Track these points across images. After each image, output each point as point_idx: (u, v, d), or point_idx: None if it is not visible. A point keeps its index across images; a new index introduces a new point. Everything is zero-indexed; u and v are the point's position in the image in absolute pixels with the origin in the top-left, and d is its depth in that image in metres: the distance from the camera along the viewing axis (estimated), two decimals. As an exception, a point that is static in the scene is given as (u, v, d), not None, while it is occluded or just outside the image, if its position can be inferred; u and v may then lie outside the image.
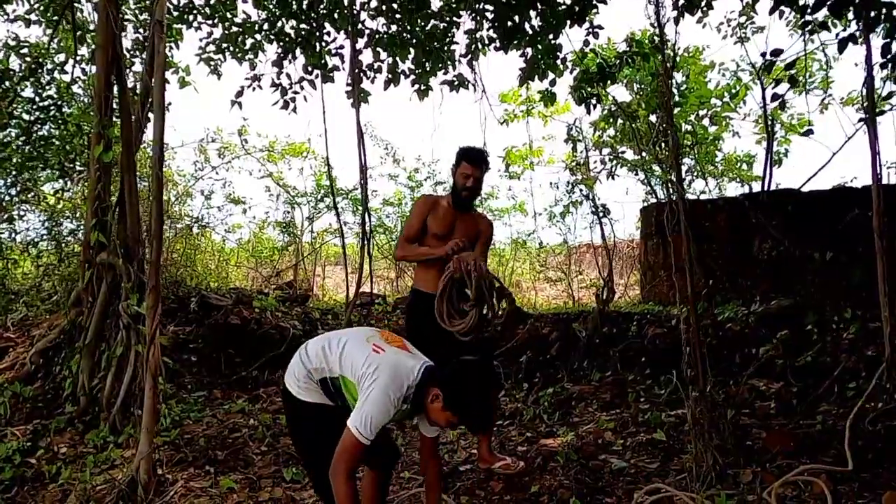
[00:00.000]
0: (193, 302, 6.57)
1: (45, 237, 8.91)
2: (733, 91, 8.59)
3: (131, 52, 8.11)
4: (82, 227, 7.90)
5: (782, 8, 4.99)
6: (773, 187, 7.64)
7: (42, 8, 7.98)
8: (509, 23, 6.74)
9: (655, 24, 3.67)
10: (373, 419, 2.28)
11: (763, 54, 4.81)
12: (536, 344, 5.91)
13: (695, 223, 6.81)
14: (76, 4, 7.89)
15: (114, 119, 5.57)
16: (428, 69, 7.41)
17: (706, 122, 8.88)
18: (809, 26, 4.20)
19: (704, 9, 6.55)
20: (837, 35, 4.14)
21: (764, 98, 7.23)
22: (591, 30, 6.57)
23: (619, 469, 3.59)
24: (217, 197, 9.86)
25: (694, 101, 8.37)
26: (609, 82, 6.81)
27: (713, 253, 6.11)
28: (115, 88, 5.47)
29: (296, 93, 7.15)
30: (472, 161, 3.66)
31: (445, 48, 7.43)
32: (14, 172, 8.31)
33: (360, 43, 7.15)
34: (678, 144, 3.93)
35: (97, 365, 5.21)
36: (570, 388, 5.07)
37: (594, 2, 6.30)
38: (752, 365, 4.66)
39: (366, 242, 5.92)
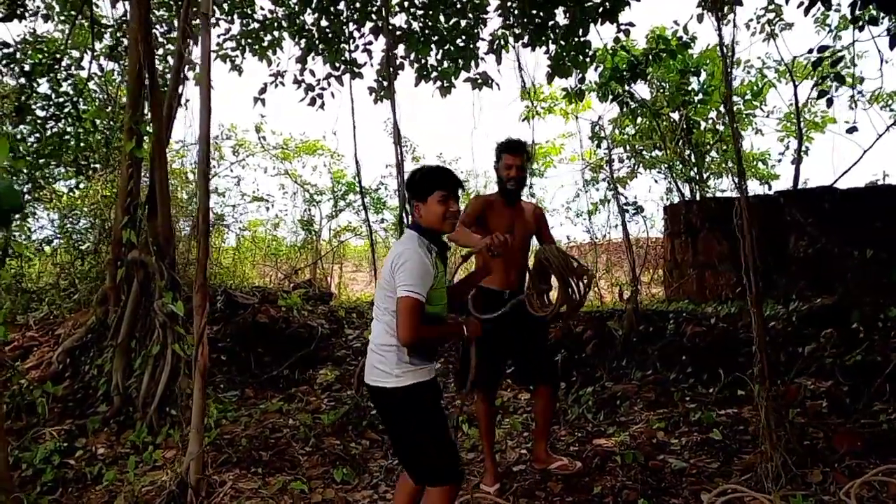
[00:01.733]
0: (220, 300, 6.48)
1: (58, 236, 8.81)
2: (755, 88, 8.55)
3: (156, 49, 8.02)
4: (97, 225, 7.81)
5: (807, 2, 4.97)
6: (798, 185, 7.61)
7: (59, 4, 7.89)
8: (537, 19, 6.69)
9: (715, 26, 3.59)
10: (417, 274, 2.36)
11: (810, 50, 4.77)
12: (571, 342, 5.85)
13: (726, 221, 6.80)
14: (93, 1, 7.81)
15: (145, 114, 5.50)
16: (452, 66, 7.36)
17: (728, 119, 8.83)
18: (860, 22, 4.13)
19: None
20: (889, 30, 4.08)
21: (796, 95, 7.20)
22: (621, 27, 6.52)
23: (680, 469, 3.54)
24: (232, 195, 9.77)
25: (717, 99, 8.32)
26: (638, 79, 6.75)
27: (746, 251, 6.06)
28: (147, 83, 5.41)
29: (323, 89, 7.08)
30: (513, 150, 3.65)
31: (470, 45, 7.38)
32: (28, 169, 8.22)
33: (383, 40, 7.10)
34: (739, 140, 3.87)
35: (130, 364, 5.14)
36: (611, 388, 5.01)
37: (626, -1, 6.24)
38: (798, 363, 4.61)
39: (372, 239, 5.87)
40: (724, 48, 3.66)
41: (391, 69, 6.14)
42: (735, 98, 8.75)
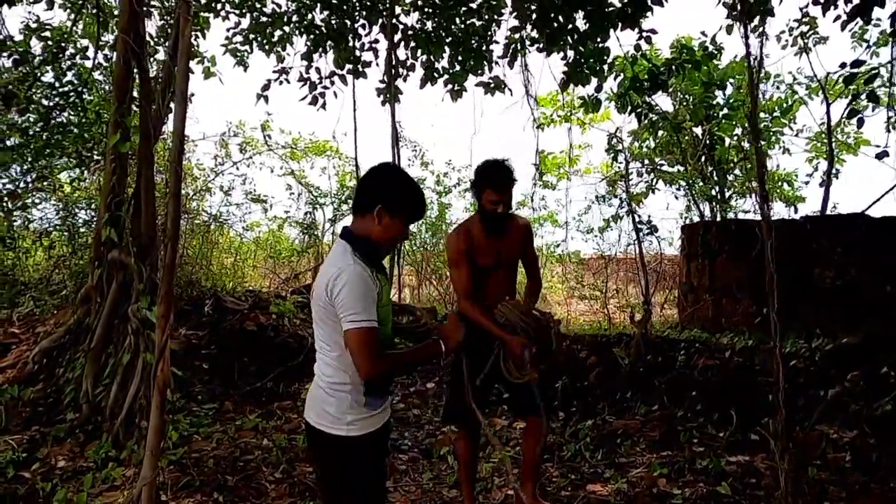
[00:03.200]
0: (208, 305, 6.20)
1: (58, 227, 8.61)
2: (785, 105, 8.11)
3: (155, 40, 7.77)
4: (95, 219, 7.57)
5: (845, 16, 4.56)
6: (827, 209, 7.16)
7: (65, -10, 7.68)
8: (554, 23, 6.33)
9: (742, 36, 3.21)
10: (360, 296, 1.99)
11: (843, 65, 4.37)
12: (573, 369, 5.47)
13: (745, 245, 6.38)
14: (100, -13, 7.58)
15: (133, 108, 5.24)
16: (464, 69, 7.03)
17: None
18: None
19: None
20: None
21: (828, 114, 6.75)
22: (643, 33, 6.14)
23: (682, 528, 3.16)
24: (236, 193, 9.52)
25: (743, 114, 7.90)
26: (660, 91, 6.36)
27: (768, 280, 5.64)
28: (136, 75, 5.15)
29: (325, 88, 6.78)
30: (499, 188, 3.14)
31: (483, 48, 7.05)
32: (30, 159, 8.03)
33: (395, 39, 6.80)
34: (763, 162, 3.49)
35: (102, 371, 4.87)
36: (612, 423, 4.63)
37: (649, 3, 5.86)
38: (820, 408, 4.20)
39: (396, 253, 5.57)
40: (752, 60, 3.27)
41: (392, 69, 5.82)
42: (762, 114, 8.32)
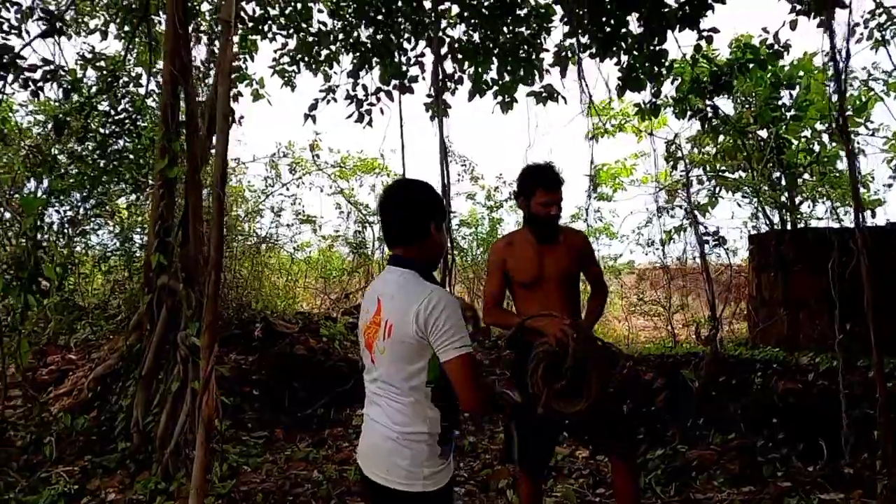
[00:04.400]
0: (258, 328, 6.12)
1: (116, 252, 8.76)
2: (858, 103, 7.56)
3: (206, 65, 7.85)
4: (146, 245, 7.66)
5: None
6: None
7: (119, 21, 7.85)
8: (607, 27, 6.05)
9: (821, 30, 2.89)
10: (461, 322, 1.86)
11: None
12: (638, 392, 5.13)
13: (824, 255, 5.89)
14: (152, 17, 7.71)
15: (181, 132, 5.22)
16: (513, 79, 6.81)
17: (825, 138, 7.87)
18: None
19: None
20: None
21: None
22: (702, 34, 5.79)
23: (773, 580, 2.80)
24: (286, 214, 9.52)
25: (813, 115, 7.40)
26: (723, 92, 5.99)
27: (852, 293, 5.18)
28: (182, 99, 5.13)
29: (371, 105, 6.67)
30: (550, 186, 2.96)
31: (533, 57, 6.82)
32: (89, 186, 8.20)
33: (441, 52, 6.65)
34: (855, 164, 3.14)
35: (152, 399, 4.81)
36: (685, 453, 4.27)
37: (709, 1, 5.52)
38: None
39: (450, 265, 5.39)
40: (837, 54, 2.93)
41: (439, 82, 5.64)
42: (833, 114, 7.78)
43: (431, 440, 1.89)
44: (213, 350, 3.49)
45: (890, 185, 7.71)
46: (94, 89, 7.61)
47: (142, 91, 8.01)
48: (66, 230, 8.63)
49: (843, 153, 8.25)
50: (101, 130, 7.86)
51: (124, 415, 4.80)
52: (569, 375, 2.62)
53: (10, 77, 5.62)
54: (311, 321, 6.83)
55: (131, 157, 8.05)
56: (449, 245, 5.34)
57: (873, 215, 8.47)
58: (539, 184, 2.97)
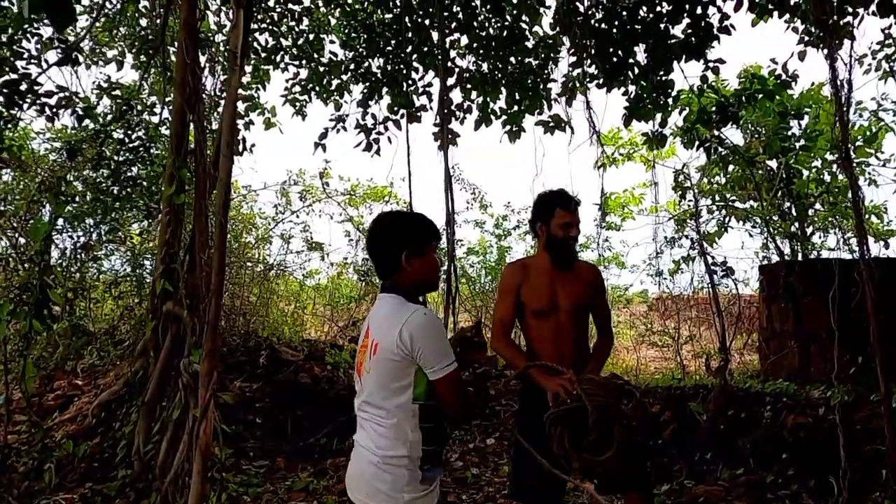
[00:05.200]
0: (263, 356, 6.10)
1: (127, 277, 8.82)
2: (868, 133, 7.52)
3: (219, 95, 7.99)
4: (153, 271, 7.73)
5: None
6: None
7: (135, 51, 8.02)
8: (614, 58, 6.09)
9: (825, 58, 2.89)
10: (445, 340, 1.96)
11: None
12: (645, 425, 5.03)
13: (838, 287, 5.80)
14: (168, 47, 7.88)
15: (190, 160, 5.29)
16: (521, 109, 6.86)
17: (835, 168, 7.82)
18: None
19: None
20: None
21: (922, 141, 6.18)
22: (709, 64, 5.81)
23: None
24: (296, 241, 9.57)
25: (823, 145, 7.36)
26: (730, 123, 5.98)
27: (862, 324, 5.09)
28: (192, 127, 5.21)
29: (380, 133, 6.74)
30: (569, 206, 2.96)
31: (541, 86, 6.87)
32: (101, 212, 8.30)
33: (449, 82, 6.72)
34: (859, 196, 3.11)
35: (154, 426, 4.79)
36: (692, 489, 4.17)
37: (715, 32, 5.56)
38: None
39: (452, 294, 5.37)
40: (839, 85, 2.92)
41: (445, 111, 5.69)
42: (839, 145, 7.73)
43: (412, 465, 1.90)
44: (212, 378, 3.48)
45: (881, 215, 7.63)
46: (108, 117, 7.75)
47: (155, 119, 8.15)
48: (78, 255, 8.72)
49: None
50: (115, 158, 7.98)
51: (126, 442, 4.79)
52: (595, 430, 2.57)
53: (27, 104, 5.75)
54: (316, 349, 6.80)
55: (144, 184, 8.16)
56: (452, 273, 5.31)
57: (886, 246, 8.37)
58: (558, 204, 2.96)
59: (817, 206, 8.09)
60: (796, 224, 7.65)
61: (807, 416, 4.53)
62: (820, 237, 8.01)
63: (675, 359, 8.57)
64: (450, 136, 6.51)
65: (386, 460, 1.90)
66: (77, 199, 7.74)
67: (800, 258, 7.53)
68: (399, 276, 2.02)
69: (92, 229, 8.71)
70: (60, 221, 8.08)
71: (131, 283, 8.59)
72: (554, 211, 2.96)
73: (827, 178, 7.85)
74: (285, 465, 5.03)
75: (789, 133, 7.51)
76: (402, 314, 1.90)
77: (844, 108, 2.93)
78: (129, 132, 7.93)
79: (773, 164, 7.72)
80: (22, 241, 8.27)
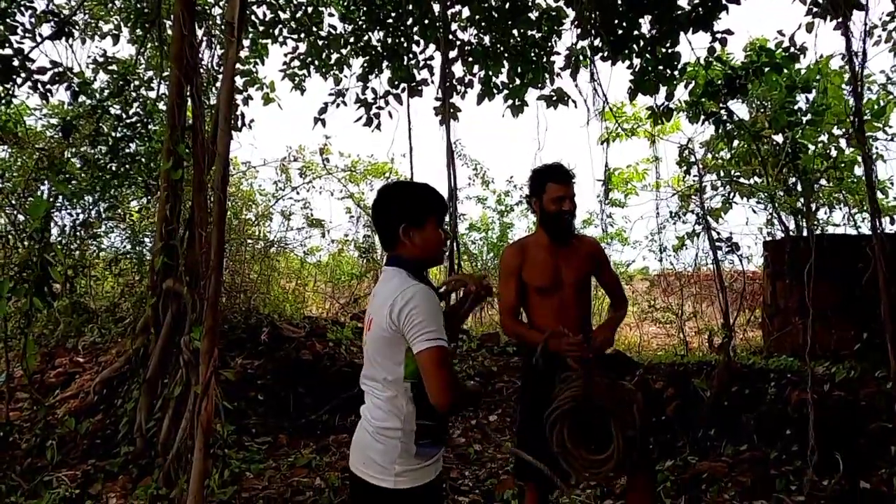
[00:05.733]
0: (264, 333, 6.08)
1: (127, 254, 8.78)
2: (876, 107, 7.40)
3: (216, 69, 7.85)
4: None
5: None
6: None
7: (131, 25, 7.88)
8: (619, 30, 5.96)
9: (841, 33, 2.80)
10: (434, 315, 1.84)
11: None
12: (648, 401, 5.02)
13: (840, 263, 5.76)
14: (164, 21, 7.74)
15: (187, 135, 5.21)
16: (523, 83, 6.75)
17: (842, 142, 7.71)
18: None
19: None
20: None
21: (933, 114, 6.07)
22: (716, 36, 5.70)
23: None
24: (297, 218, 9.51)
25: (830, 119, 7.24)
26: (738, 96, 5.87)
27: (869, 300, 5.04)
28: (189, 102, 5.12)
29: (380, 108, 6.63)
30: (560, 179, 2.91)
31: (544, 60, 6.75)
32: (100, 189, 8.23)
33: (451, 55, 6.61)
34: (872, 169, 3.04)
35: (156, 403, 4.78)
36: (696, 465, 4.16)
37: (723, 2, 5.43)
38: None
39: (456, 270, 5.33)
40: (854, 56, 2.83)
41: (447, 85, 5.59)
42: (849, 118, 7.61)
43: (405, 437, 1.88)
44: (213, 355, 3.45)
45: (885, 191, 7.54)
46: (105, 93, 7.64)
47: (153, 95, 8.05)
48: (78, 233, 8.66)
49: (860, 157, 8.09)
50: (113, 134, 7.89)
51: (128, 419, 4.78)
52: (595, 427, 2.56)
53: (20, 79, 5.66)
54: (318, 325, 6.78)
55: (142, 160, 8.08)
56: (455, 249, 5.26)
57: (892, 221, 8.29)
58: (549, 177, 2.91)
59: (822, 181, 8.00)
60: (802, 200, 7.56)
61: (812, 393, 4.49)
62: (825, 213, 7.93)
63: (677, 335, 8.55)
64: (451, 111, 6.42)
65: (379, 431, 1.90)
66: (75, 176, 7.67)
67: (805, 234, 7.45)
68: (400, 248, 1.98)
69: (91, 206, 8.65)
70: (59, 199, 8.03)
71: (131, 260, 8.55)
72: (545, 185, 2.92)
73: (833, 153, 7.74)
74: (287, 441, 5.02)
75: (796, 107, 7.38)
76: (398, 288, 1.86)
77: (859, 80, 2.84)
78: (127, 108, 7.83)
79: (778, 138, 7.61)
80: (21, 218, 8.22)
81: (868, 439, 3.91)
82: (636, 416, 2.56)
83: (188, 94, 5.06)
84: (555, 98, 6.56)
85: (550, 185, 2.89)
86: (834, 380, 4.57)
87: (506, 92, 6.78)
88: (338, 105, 7.26)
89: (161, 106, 8.47)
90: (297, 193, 9.49)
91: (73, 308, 7.70)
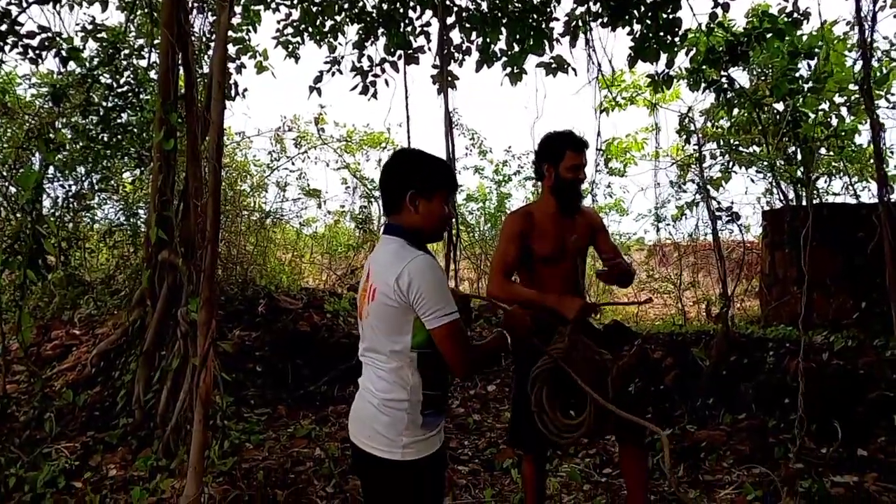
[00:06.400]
0: (262, 304, 6.05)
1: (122, 226, 8.71)
2: (878, 74, 7.30)
3: (208, 37, 7.68)
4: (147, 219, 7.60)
5: None
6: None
7: (118, -10, 7.68)
8: (619, -5, 5.83)
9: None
10: (445, 288, 1.85)
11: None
12: (647, 371, 5.03)
13: (840, 232, 5.74)
14: (153, -14, 7.55)
15: (180, 104, 5.11)
16: (522, 49, 6.61)
17: (843, 111, 7.63)
18: None
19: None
20: None
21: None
22: (718, 1, 5.58)
23: (784, 566, 2.72)
24: (292, 189, 9.43)
25: (832, 87, 7.15)
26: (740, 63, 5.78)
27: (871, 269, 5.03)
28: (181, 70, 5.01)
29: (376, 76, 6.51)
30: (579, 147, 2.85)
31: (543, 26, 6.61)
32: (92, 160, 8.12)
33: (448, 21, 6.46)
34: (880, 136, 2.99)
35: (154, 375, 4.76)
36: (694, 433, 4.18)
37: (727, -35, 5.31)
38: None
39: (453, 241, 5.28)
40: (864, 20, 2.76)
41: (444, 52, 5.47)
42: (852, 87, 7.52)
43: (412, 408, 1.86)
44: (210, 327, 3.41)
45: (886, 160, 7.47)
46: (95, 61, 7.48)
47: (144, 63, 7.89)
48: (71, 204, 8.57)
49: (862, 126, 8.02)
50: (104, 104, 7.75)
51: (126, 391, 4.77)
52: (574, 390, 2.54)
53: (8, 45, 5.51)
54: (315, 297, 6.75)
55: (134, 130, 7.96)
56: (452, 220, 5.21)
57: (890, 190, 8.25)
58: (569, 146, 2.84)
59: (822, 150, 7.94)
60: (801, 169, 7.51)
61: (810, 362, 4.50)
62: (825, 182, 7.89)
63: (675, 305, 8.56)
64: (449, 79, 6.30)
65: (385, 403, 1.87)
66: (66, 146, 7.56)
67: (804, 203, 7.42)
68: (402, 216, 1.94)
69: (83, 178, 8.55)
70: (51, 170, 7.92)
71: (125, 232, 8.48)
72: (564, 152, 2.84)
73: (834, 121, 7.67)
74: (287, 412, 5.03)
75: (797, 75, 7.28)
76: (402, 259, 1.82)
77: (869, 43, 2.77)
78: (117, 77, 7.69)
79: (779, 106, 7.53)
80: (13, 190, 8.12)
81: (866, 408, 3.93)
82: (609, 386, 2.55)
83: (180, 62, 4.94)
84: (554, 66, 6.44)
85: (569, 152, 2.82)
86: (833, 349, 4.58)
87: (504, 59, 6.65)
88: (333, 73, 7.12)
89: (152, 75, 8.32)
90: (293, 164, 9.41)
91: (67, 280, 7.64)
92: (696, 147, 6.96)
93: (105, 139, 7.90)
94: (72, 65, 7.25)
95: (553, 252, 2.84)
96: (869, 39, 3.00)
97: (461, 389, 5.60)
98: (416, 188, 1.91)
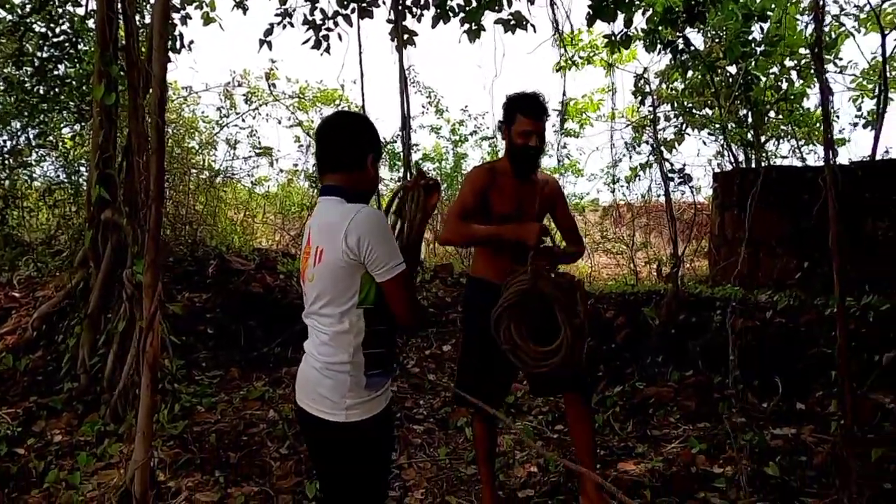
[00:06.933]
0: (212, 266, 5.90)
1: (62, 184, 8.33)
2: (828, 39, 7.43)
3: (149, -16, 7.27)
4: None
5: None
6: (878, 154, 6.59)
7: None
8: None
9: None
10: (392, 238, 1.86)
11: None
12: (599, 330, 5.12)
13: (787, 194, 5.89)
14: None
15: (120, 57, 4.85)
16: (480, 5, 6.46)
17: (793, 74, 7.77)
18: None
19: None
20: None
21: (883, 45, 6.09)
22: (676, -40, 5.54)
23: (727, 515, 2.84)
24: (243, 146, 9.12)
25: (783, 50, 7.25)
26: (696, 23, 5.78)
27: (812, 231, 5.19)
28: (121, 19, 4.74)
29: (329, 30, 6.27)
30: (532, 113, 2.75)
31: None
32: (27, 115, 7.70)
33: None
34: (828, 100, 3.03)
35: (99, 339, 4.62)
36: (643, 390, 4.30)
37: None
38: (873, 374, 3.82)
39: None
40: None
41: (399, 7, 5.31)
42: (801, 50, 7.64)
43: (354, 370, 1.86)
44: (156, 289, 3.29)
45: (855, 125, 7.69)
46: (28, 7, 7.05)
47: (81, 11, 7.44)
48: (6, 161, 8.15)
49: (810, 91, 8.19)
50: (39, 54, 7.33)
51: (70, 355, 4.62)
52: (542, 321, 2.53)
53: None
54: (268, 258, 6.63)
55: (73, 83, 7.57)
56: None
57: (835, 154, 8.49)
58: (519, 109, 2.76)
59: (772, 113, 8.09)
60: (752, 132, 7.65)
61: (754, 320, 4.66)
62: (774, 145, 8.07)
63: (628, 265, 8.73)
64: (407, 36, 6.13)
65: (328, 366, 1.87)
66: (-1, 99, 7.15)
67: (753, 166, 7.59)
68: (351, 176, 1.91)
69: (19, 133, 8.12)
70: (-18, 124, 7.50)
71: (66, 190, 8.12)
72: (515, 116, 2.78)
73: (784, 85, 7.81)
74: (239, 374, 4.97)
75: (751, 38, 7.35)
76: (347, 216, 1.79)
77: (822, 4, 2.79)
78: (52, 25, 7.26)
79: (732, 69, 7.61)
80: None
81: (806, 364, 4.09)
82: (580, 302, 2.56)
83: (119, 10, 4.67)
84: (513, 22, 6.31)
85: (520, 117, 2.75)
86: (776, 307, 4.73)
87: (462, 15, 6.49)
88: (284, 26, 6.83)
89: (90, 24, 7.86)
90: (243, 121, 9.08)
91: (5, 241, 7.31)
92: (651, 109, 7.01)
93: (41, 92, 7.51)
94: (1, 12, 6.81)
95: (510, 211, 2.82)
96: (822, 2, 3.01)
97: (417, 350, 5.62)
98: (374, 151, 1.94)
